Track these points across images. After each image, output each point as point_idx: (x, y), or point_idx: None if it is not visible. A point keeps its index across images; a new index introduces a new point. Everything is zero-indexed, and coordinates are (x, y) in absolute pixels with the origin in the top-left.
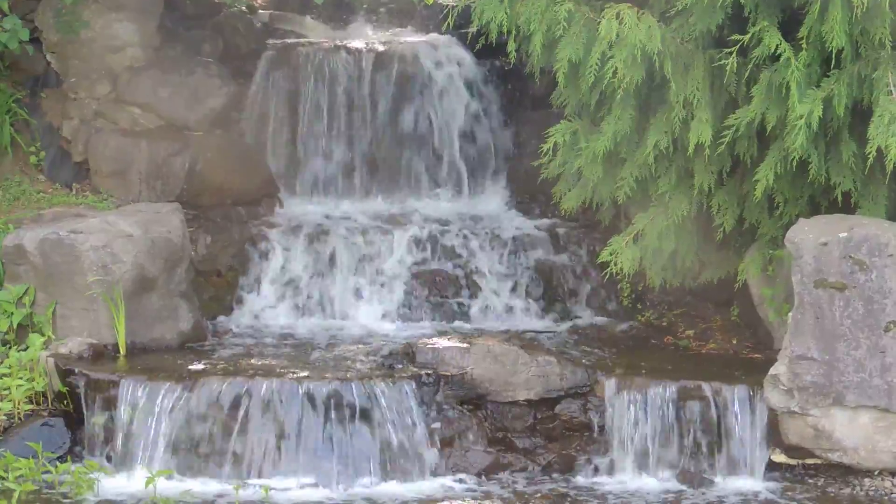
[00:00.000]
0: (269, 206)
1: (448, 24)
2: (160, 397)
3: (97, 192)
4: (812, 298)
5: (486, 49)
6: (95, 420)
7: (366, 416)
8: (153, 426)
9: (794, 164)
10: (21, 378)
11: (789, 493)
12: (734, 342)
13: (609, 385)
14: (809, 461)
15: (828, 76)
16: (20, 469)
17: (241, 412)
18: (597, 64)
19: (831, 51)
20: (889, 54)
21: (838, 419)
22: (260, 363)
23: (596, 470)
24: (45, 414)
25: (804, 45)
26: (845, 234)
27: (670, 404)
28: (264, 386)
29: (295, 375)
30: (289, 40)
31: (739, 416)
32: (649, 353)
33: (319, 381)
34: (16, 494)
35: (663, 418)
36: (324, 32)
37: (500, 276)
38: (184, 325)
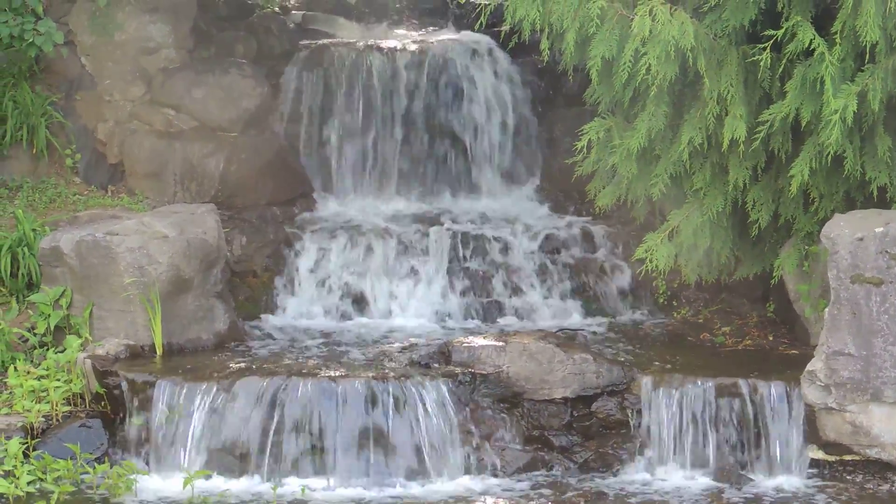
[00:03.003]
0: (303, 206)
1: (481, 22)
2: (197, 398)
3: (132, 193)
4: (848, 294)
5: (519, 47)
6: (133, 421)
7: (402, 415)
8: (190, 427)
9: (829, 159)
10: (58, 380)
11: (827, 489)
12: (770, 338)
13: (646, 382)
14: (847, 458)
15: (862, 70)
16: (58, 470)
17: (278, 412)
18: (630, 61)
19: (865, 45)
20: None
21: (876, 415)
22: (296, 363)
23: (633, 468)
24: (83, 415)
25: (838, 40)
26: (881, 229)
27: (707, 401)
28: (300, 385)
29: (331, 375)
30: (322, 41)
31: (777, 413)
32: (685, 350)
33: (355, 381)
34: (54, 495)
35: (700, 415)
36: (357, 32)
37: (536, 274)
38: (220, 325)
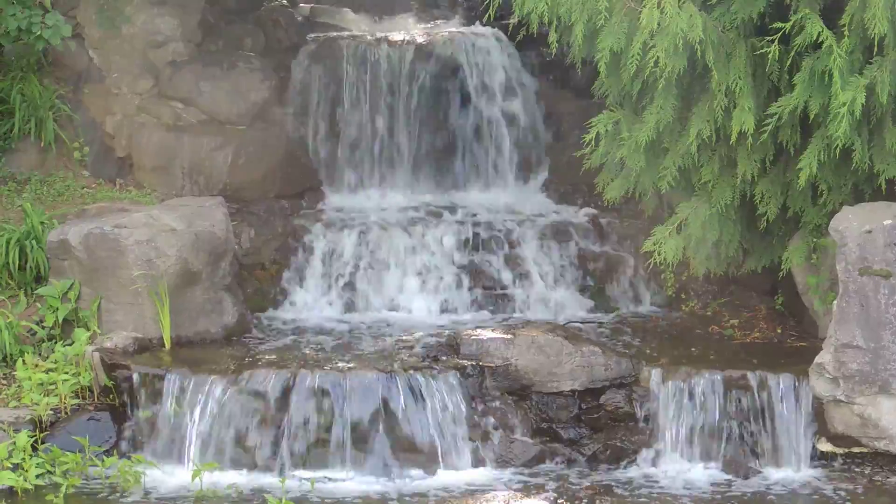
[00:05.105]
0: (312, 199)
1: (489, 15)
2: (205, 390)
3: (140, 186)
4: (857, 286)
5: (527, 40)
6: (141, 414)
7: (410, 408)
8: (199, 419)
9: (838, 151)
10: (67, 373)
11: (835, 481)
12: (779, 331)
13: (654, 375)
14: (856, 450)
15: (870, 63)
16: (67, 463)
17: (287, 404)
18: (638, 53)
19: (874, 37)
20: None
21: (884, 407)
22: (304, 355)
23: (642, 460)
24: (91, 408)
25: (846, 33)
26: (890, 222)
27: (715, 394)
28: (309, 378)
29: (339, 367)
30: (330, 33)
31: (785, 405)
32: (694, 342)
33: (364, 373)
34: (63, 488)
35: (708, 408)
36: (365, 25)
37: (544, 267)
38: (228, 318)
